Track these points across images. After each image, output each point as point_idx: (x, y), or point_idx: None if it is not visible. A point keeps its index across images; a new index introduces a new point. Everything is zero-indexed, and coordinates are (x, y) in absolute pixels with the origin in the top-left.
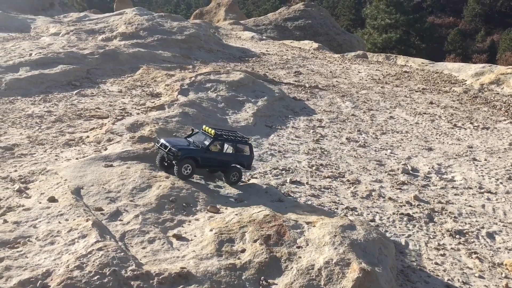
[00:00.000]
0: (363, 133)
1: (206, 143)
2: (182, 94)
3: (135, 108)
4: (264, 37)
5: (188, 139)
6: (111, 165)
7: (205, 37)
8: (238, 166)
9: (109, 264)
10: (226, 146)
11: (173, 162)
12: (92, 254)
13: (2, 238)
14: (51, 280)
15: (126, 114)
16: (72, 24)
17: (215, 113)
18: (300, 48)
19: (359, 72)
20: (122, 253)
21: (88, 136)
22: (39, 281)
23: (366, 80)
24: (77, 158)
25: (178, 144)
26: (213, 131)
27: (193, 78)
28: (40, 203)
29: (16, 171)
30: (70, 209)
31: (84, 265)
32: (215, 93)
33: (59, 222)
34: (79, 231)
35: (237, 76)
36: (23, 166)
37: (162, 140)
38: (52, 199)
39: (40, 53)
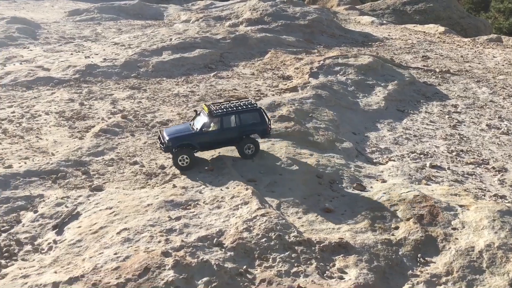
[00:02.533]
0: (505, 120)
1: (206, 123)
2: (313, 77)
3: (269, 89)
4: (384, 22)
5: (192, 122)
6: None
7: (327, 22)
8: (252, 136)
9: (273, 229)
10: (231, 119)
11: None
12: (256, 219)
13: (176, 200)
14: (225, 238)
15: (262, 95)
16: (200, 11)
17: (346, 96)
18: (424, 32)
19: (494, 57)
20: (284, 221)
21: None
22: (215, 239)
23: (503, 65)
24: None
25: (171, 133)
26: (207, 107)
27: (321, 62)
28: (200, 172)
29: None
30: (228, 178)
31: (251, 228)
32: (344, 76)
33: (221, 190)
34: (241, 198)
35: (366, 60)
36: None
37: (162, 131)
38: (210, 169)
39: (179, 38)
